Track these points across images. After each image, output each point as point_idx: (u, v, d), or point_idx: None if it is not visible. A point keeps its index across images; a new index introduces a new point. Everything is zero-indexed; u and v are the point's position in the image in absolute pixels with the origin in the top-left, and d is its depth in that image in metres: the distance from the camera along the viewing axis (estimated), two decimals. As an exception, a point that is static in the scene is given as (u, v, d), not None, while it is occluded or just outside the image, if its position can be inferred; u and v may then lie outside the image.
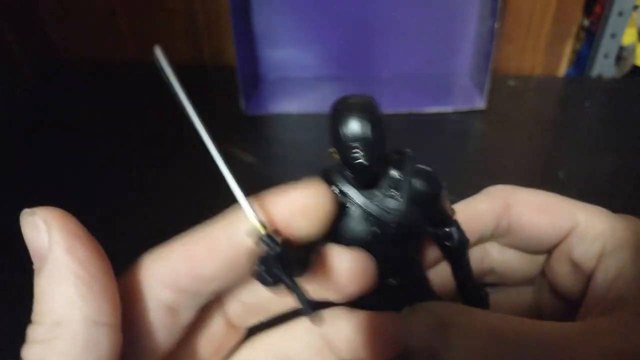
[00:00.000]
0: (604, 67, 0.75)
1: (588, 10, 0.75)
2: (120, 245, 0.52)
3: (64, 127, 0.67)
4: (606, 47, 0.74)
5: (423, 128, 0.65)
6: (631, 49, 0.75)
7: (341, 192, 0.22)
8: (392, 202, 0.22)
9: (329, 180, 0.22)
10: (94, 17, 0.77)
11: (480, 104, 0.68)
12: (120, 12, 0.77)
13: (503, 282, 0.31)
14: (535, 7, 0.74)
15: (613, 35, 0.73)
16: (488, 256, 0.30)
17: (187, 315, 0.21)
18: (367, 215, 0.22)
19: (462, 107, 0.68)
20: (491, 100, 0.67)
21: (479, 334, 0.19)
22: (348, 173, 0.22)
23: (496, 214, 0.27)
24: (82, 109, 0.70)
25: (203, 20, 0.76)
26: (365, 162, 0.20)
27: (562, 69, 0.79)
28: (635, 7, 0.72)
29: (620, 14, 0.71)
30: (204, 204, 0.52)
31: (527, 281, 0.31)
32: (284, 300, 0.24)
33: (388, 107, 0.68)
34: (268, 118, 0.66)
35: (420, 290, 0.25)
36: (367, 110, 0.20)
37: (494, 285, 0.31)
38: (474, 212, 0.27)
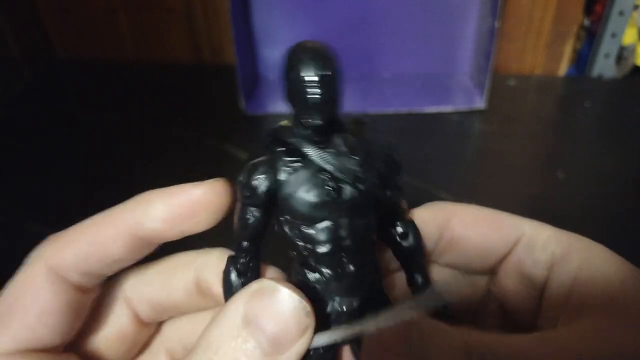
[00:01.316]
0: (604, 67, 0.75)
1: (588, 10, 0.75)
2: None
3: (63, 126, 0.67)
4: (607, 47, 0.74)
5: (423, 128, 0.65)
6: (632, 49, 0.75)
7: (291, 147, 0.20)
8: (347, 160, 0.20)
9: (278, 138, 0.20)
10: (94, 16, 0.77)
11: (480, 103, 0.68)
12: (120, 12, 0.77)
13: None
14: (535, 7, 0.74)
15: (613, 35, 0.73)
16: None
17: (93, 292, 0.23)
18: (321, 172, 0.20)
19: (462, 107, 0.68)
20: (491, 100, 0.67)
21: (453, 348, 0.18)
22: (300, 129, 0.20)
23: (438, 223, 0.26)
24: (81, 108, 0.70)
25: (203, 20, 0.76)
26: (322, 98, 0.19)
27: (563, 69, 0.79)
28: (636, 7, 0.71)
29: (621, 13, 0.71)
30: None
31: (467, 308, 0.29)
32: (194, 301, 0.24)
33: (388, 107, 0.68)
34: (268, 118, 0.66)
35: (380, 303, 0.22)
36: (324, 50, 0.19)
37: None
38: (416, 219, 0.26)
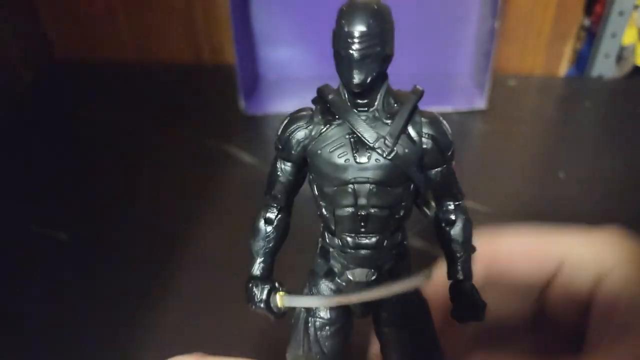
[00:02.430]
0: (604, 67, 0.75)
1: (588, 10, 0.75)
2: (119, 244, 0.52)
3: (63, 127, 0.67)
4: (607, 47, 0.74)
5: (423, 128, 0.65)
6: (631, 49, 0.75)
7: (329, 105, 0.19)
8: (380, 126, 0.19)
9: (322, 96, 0.20)
10: (93, 16, 0.77)
11: (480, 104, 0.68)
12: (119, 12, 0.77)
13: (498, 325, 0.29)
14: (535, 7, 0.74)
15: (613, 35, 0.73)
16: None
17: None
18: (350, 134, 0.19)
19: (463, 107, 0.68)
20: (492, 100, 0.67)
21: None
22: (340, 88, 0.20)
23: (486, 259, 0.26)
24: (80, 109, 0.70)
25: (202, 20, 0.76)
26: (357, 54, 0.18)
27: (563, 69, 0.79)
28: (636, 7, 0.71)
29: (621, 13, 0.71)
30: (202, 202, 0.52)
31: (522, 317, 0.30)
32: None
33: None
34: (268, 118, 0.66)
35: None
36: (373, 7, 0.19)
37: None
38: None
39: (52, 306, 0.43)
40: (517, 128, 0.67)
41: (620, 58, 0.76)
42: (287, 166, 0.21)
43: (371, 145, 0.19)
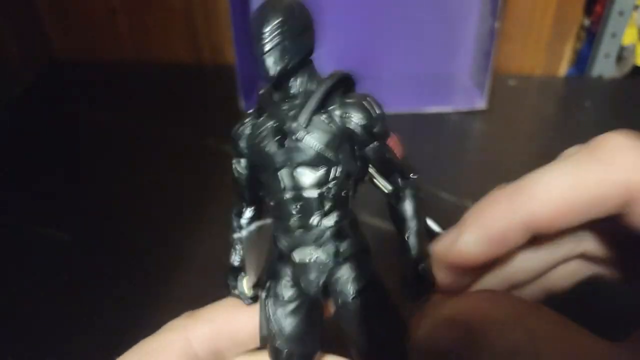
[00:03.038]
0: (604, 67, 0.75)
1: (588, 10, 0.75)
2: (120, 244, 0.52)
3: (64, 127, 0.67)
4: (607, 47, 0.74)
5: (423, 128, 0.65)
6: (632, 49, 0.75)
7: (261, 97, 0.21)
8: (299, 111, 0.19)
9: (260, 97, 0.21)
10: (93, 17, 0.77)
11: (480, 104, 0.68)
12: (119, 12, 0.77)
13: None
14: (535, 7, 0.74)
15: (613, 35, 0.73)
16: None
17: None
18: (272, 124, 0.20)
19: (463, 107, 0.68)
20: (492, 100, 0.67)
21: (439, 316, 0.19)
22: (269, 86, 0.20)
23: (614, 206, 0.20)
24: (81, 109, 0.70)
25: (202, 20, 0.76)
26: (265, 48, 0.18)
27: (563, 69, 0.79)
28: (636, 7, 0.71)
29: (621, 13, 0.71)
30: (202, 202, 0.52)
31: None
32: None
33: (388, 107, 0.67)
34: (268, 118, 0.66)
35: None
36: (280, 5, 0.19)
37: None
38: (578, 207, 0.21)
39: (53, 306, 0.43)
40: (517, 128, 0.67)
41: (620, 58, 0.76)
42: (241, 162, 0.22)
43: (285, 129, 0.19)
